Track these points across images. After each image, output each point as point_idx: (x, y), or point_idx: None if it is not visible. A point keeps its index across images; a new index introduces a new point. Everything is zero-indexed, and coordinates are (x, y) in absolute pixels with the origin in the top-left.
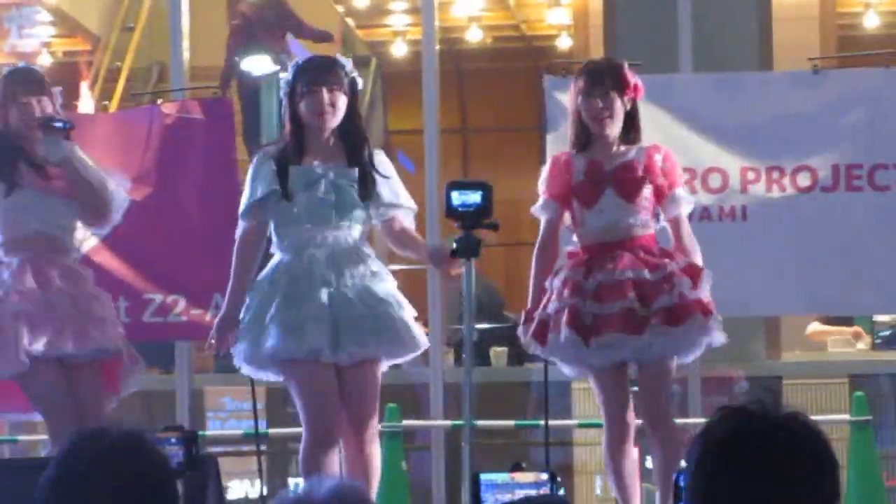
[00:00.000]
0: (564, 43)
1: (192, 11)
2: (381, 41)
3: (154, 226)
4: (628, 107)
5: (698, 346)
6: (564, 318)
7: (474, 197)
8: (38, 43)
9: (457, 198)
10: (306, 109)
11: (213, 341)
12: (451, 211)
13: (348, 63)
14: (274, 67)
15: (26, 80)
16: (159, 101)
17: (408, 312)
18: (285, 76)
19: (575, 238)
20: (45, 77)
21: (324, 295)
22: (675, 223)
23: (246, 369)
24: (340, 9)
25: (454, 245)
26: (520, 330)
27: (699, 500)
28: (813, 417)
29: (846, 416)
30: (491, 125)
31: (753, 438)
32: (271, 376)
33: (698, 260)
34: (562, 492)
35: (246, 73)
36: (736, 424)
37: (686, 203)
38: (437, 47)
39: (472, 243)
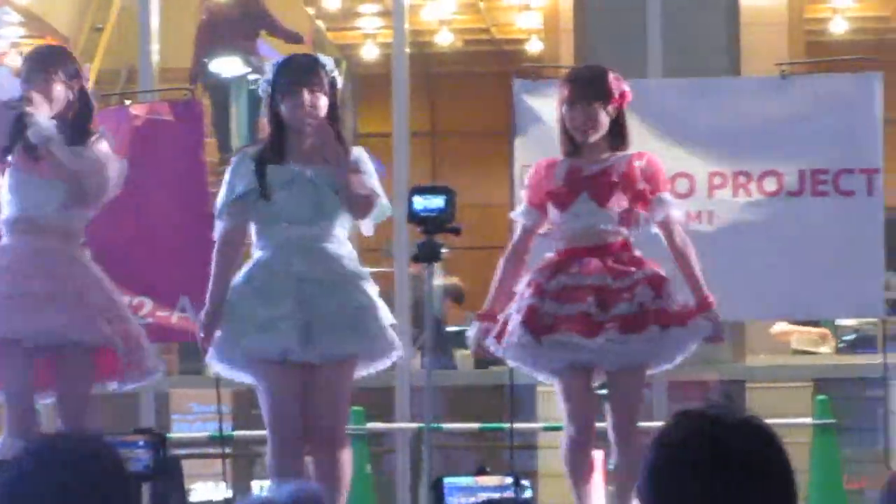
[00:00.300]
0: (535, 47)
1: (161, 13)
2: (351, 44)
3: (121, 227)
4: (613, 115)
5: (658, 354)
6: (519, 317)
7: (437, 202)
8: (7, 44)
9: (419, 203)
10: (287, 109)
11: (201, 343)
12: (413, 216)
13: (329, 63)
14: (244, 69)
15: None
16: (128, 103)
17: (385, 316)
18: (266, 76)
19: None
20: (56, 55)
21: (299, 294)
22: (665, 226)
23: (218, 368)
24: (311, 11)
25: (416, 249)
26: (469, 331)
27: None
28: (776, 421)
29: (809, 420)
30: (461, 129)
31: (708, 442)
32: (244, 377)
33: (693, 261)
34: (528, 494)
35: (215, 74)
36: (691, 428)
37: (674, 206)
38: (408, 51)
39: (433, 248)
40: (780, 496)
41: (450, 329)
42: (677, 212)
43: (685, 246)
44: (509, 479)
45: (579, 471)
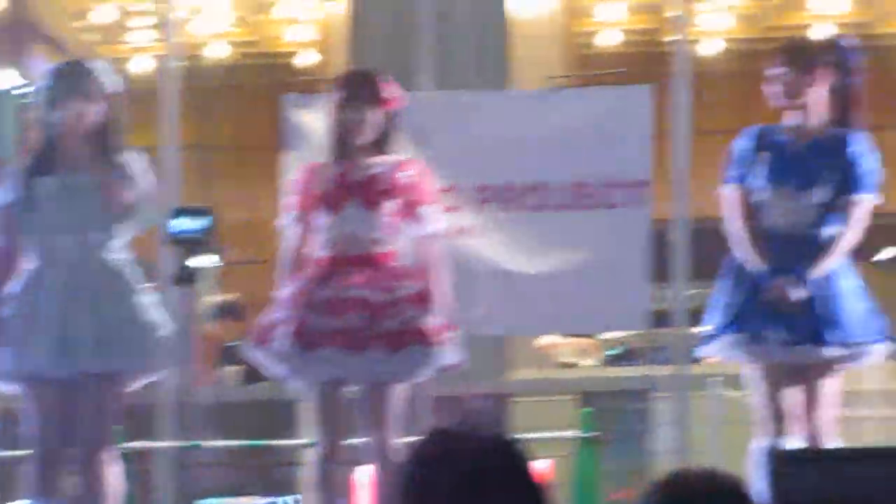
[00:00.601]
0: (307, 60)
1: None
2: (121, 57)
3: None
4: (383, 120)
5: (422, 371)
6: (288, 329)
7: (195, 223)
8: None
9: (177, 224)
10: (57, 118)
11: None
12: (171, 238)
13: (102, 68)
14: (12, 81)
15: None
16: None
17: (156, 330)
18: (36, 85)
19: (311, 249)
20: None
21: (61, 308)
22: (421, 240)
23: None
24: (80, 24)
25: (173, 272)
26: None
27: None
28: (541, 434)
29: (573, 433)
30: (231, 143)
31: (459, 460)
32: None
33: (442, 279)
34: None
35: None
36: (443, 446)
37: (436, 220)
38: (178, 64)
39: (189, 272)
40: None
41: (229, 345)
42: (439, 225)
43: (439, 262)
44: (263, 501)
45: (330, 487)
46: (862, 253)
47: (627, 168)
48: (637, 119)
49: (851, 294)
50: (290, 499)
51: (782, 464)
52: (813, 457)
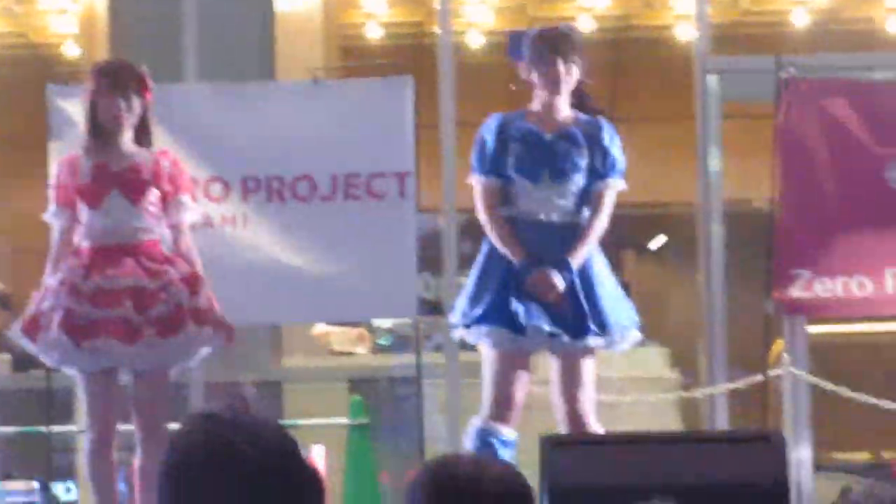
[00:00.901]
0: (72, 51)
1: None
2: None
3: None
4: (140, 110)
5: (191, 355)
6: (57, 318)
7: None
8: None
9: None
10: None
11: None
12: None
13: None
14: None
15: None
16: None
17: None
18: None
19: (77, 239)
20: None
21: None
22: (176, 229)
23: None
24: None
25: None
26: (13, 329)
27: None
28: (313, 421)
29: (344, 420)
30: None
31: (219, 444)
32: None
33: (196, 268)
34: (72, 496)
35: None
36: (202, 430)
37: (189, 210)
38: None
39: None
40: (288, 496)
41: None
42: (193, 216)
43: (188, 252)
44: (36, 484)
45: (101, 474)
46: (634, 242)
47: (391, 159)
48: (400, 110)
49: (606, 281)
50: (63, 485)
51: (551, 448)
52: (580, 441)
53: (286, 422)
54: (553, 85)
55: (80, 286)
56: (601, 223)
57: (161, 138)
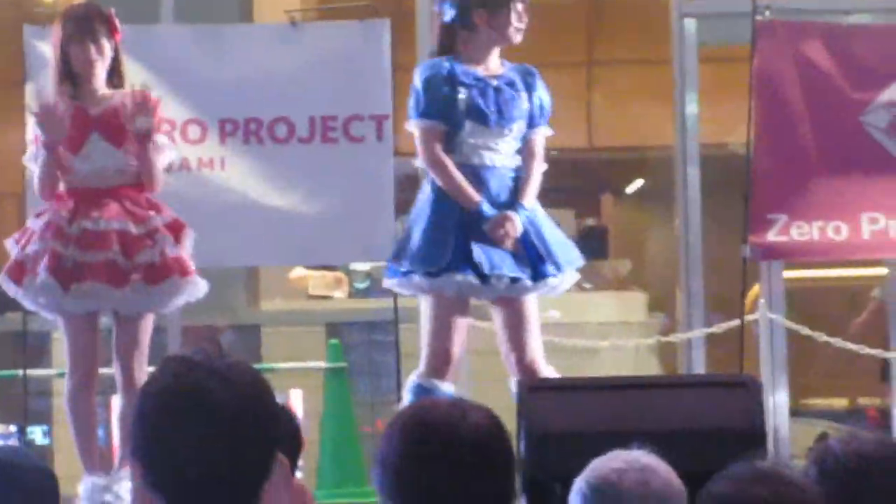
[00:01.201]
0: None
1: None
2: None
3: None
4: (113, 52)
5: (174, 303)
6: (44, 261)
7: None
8: None
9: None
10: None
11: None
12: None
13: None
14: None
15: None
16: None
17: None
18: None
19: (62, 185)
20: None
21: None
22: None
23: None
24: None
25: None
26: None
27: (141, 452)
28: (291, 365)
29: (322, 363)
30: None
31: (191, 387)
32: None
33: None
34: (45, 441)
35: None
36: (172, 374)
37: (166, 150)
38: None
39: None
40: (262, 443)
41: None
42: (170, 155)
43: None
44: (13, 427)
45: (83, 417)
46: (612, 187)
47: (369, 102)
48: (376, 53)
49: (548, 222)
50: (38, 429)
51: (529, 393)
52: (558, 386)
53: (264, 365)
54: (504, 28)
55: (66, 230)
56: (541, 168)
57: (138, 80)
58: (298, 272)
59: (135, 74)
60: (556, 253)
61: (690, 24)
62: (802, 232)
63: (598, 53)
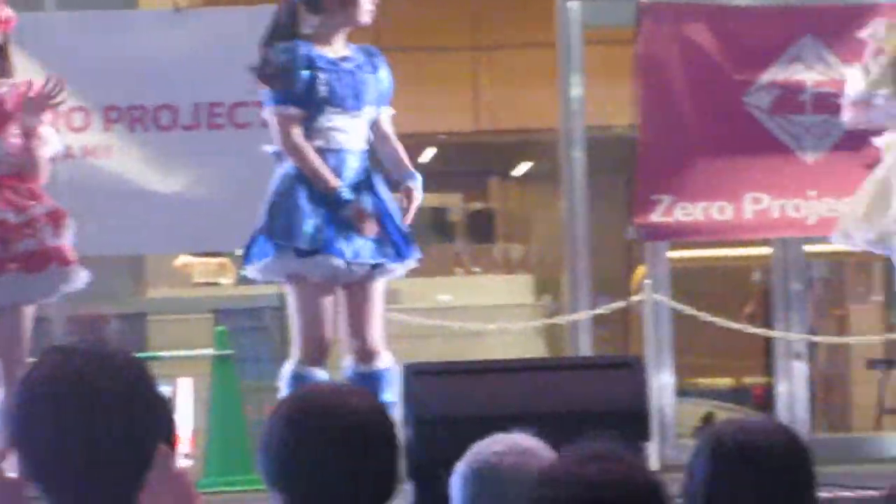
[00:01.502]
0: None
1: None
2: None
3: None
4: (2, 41)
5: (55, 292)
6: None
7: None
8: None
9: None
10: None
11: None
12: None
13: None
14: None
15: None
16: None
17: None
18: None
19: None
20: None
21: None
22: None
23: None
24: None
25: None
26: None
27: (20, 441)
28: (178, 353)
29: (209, 351)
30: None
31: (71, 375)
32: None
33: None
34: None
35: None
36: (49, 364)
37: (51, 141)
38: None
39: None
40: (142, 428)
41: None
42: (53, 147)
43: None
44: None
45: None
46: (498, 169)
47: (254, 88)
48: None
49: (396, 209)
50: None
51: (413, 377)
52: (443, 370)
53: (150, 354)
54: (355, 9)
55: None
56: (398, 147)
57: (20, 68)
58: (183, 259)
59: (18, 62)
60: (407, 235)
61: (575, 6)
62: (687, 212)
63: (484, 37)
